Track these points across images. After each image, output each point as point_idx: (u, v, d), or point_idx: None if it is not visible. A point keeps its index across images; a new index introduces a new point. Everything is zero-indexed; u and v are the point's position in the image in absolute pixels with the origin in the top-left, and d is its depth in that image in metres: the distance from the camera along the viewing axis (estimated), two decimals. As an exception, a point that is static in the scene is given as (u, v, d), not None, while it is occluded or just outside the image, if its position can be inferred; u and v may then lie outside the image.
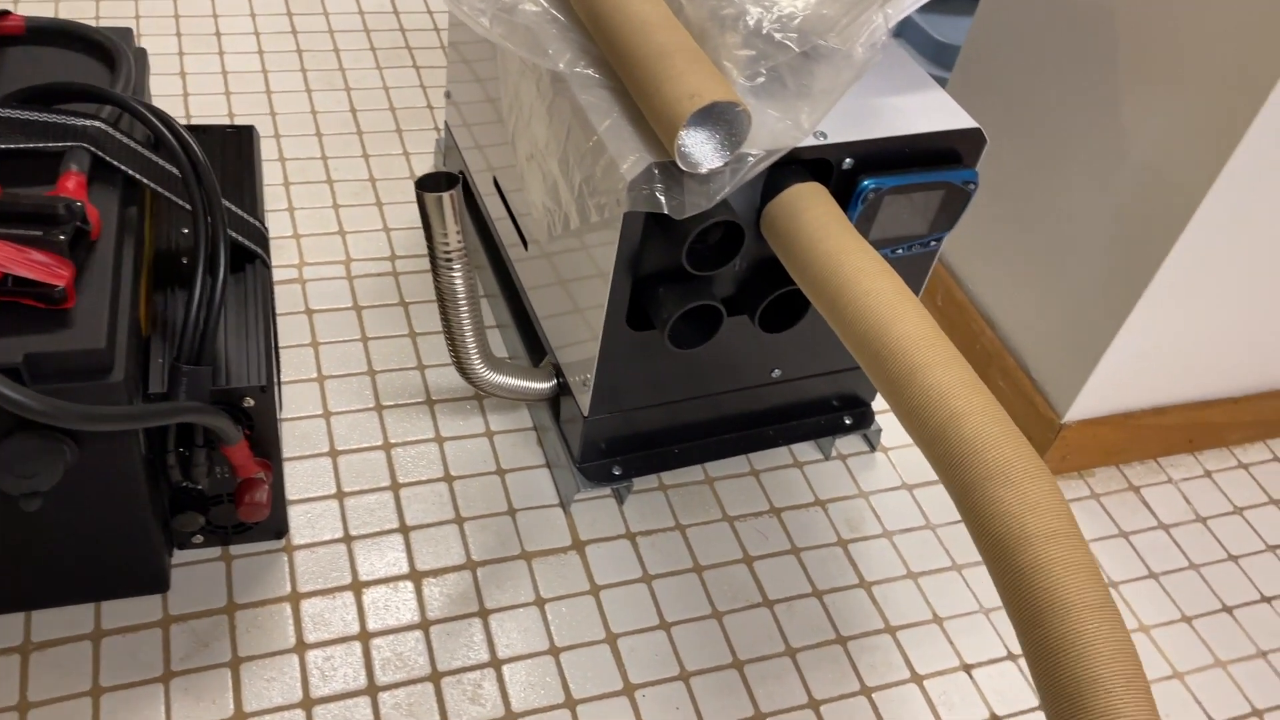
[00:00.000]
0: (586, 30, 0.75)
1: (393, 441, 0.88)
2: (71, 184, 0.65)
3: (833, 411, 0.93)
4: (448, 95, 1.05)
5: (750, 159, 0.66)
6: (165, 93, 1.16)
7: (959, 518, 0.85)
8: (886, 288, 0.63)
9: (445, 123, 1.08)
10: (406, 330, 0.97)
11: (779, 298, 0.76)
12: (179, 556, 0.77)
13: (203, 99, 1.16)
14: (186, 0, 1.30)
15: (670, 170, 0.65)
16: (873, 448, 0.95)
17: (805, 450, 0.94)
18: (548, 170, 0.77)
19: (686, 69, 0.65)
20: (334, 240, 1.04)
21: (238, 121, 1.14)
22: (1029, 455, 0.53)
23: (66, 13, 1.23)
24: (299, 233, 1.04)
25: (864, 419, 0.93)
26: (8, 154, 0.66)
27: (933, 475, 0.94)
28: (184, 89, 1.17)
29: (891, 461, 0.95)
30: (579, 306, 0.79)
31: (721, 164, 0.65)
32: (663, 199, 0.65)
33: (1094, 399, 0.91)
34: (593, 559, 0.83)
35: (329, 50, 1.27)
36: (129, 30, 0.80)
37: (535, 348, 0.91)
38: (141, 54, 0.82)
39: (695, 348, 0.75)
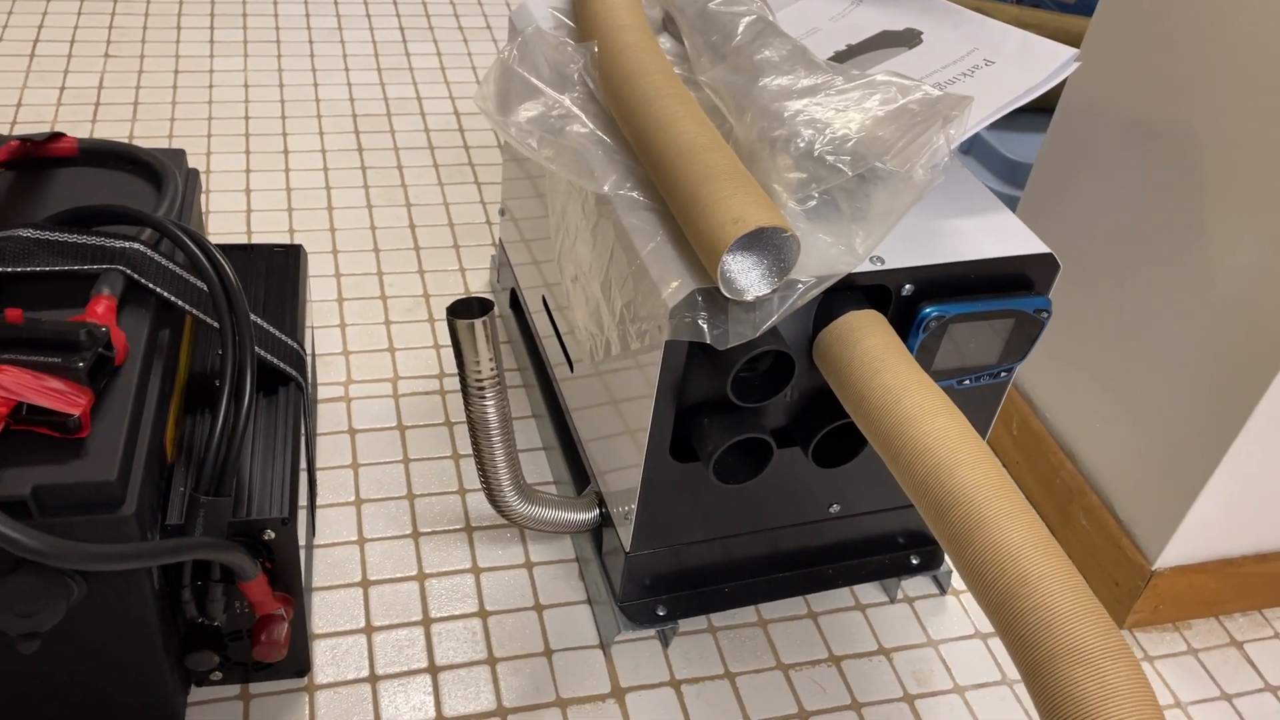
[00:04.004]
0: (633, 152, 0.72)
1: (427, 572, 0.84)
2: (101, 308, 0.64)
3: (898, 550, 0.86)
4: (502, 212, 1.03)
5: (800, 286, 0.62)
6: (228, 209, 1.17)
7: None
8: (949, 428, 0.57)
9: (499, 239, 1.06)
10: (450, 452, 0.94)
11: (835, 431, 0.71)
12: (195, 694, 0.73)
13: (264, 215, 1.18)
14: (259, 122, 1.33)
15: (714, 297, 0.62)
16: (943, 590, 0.88)
17: (868, 592, 0.87)
18: (591, 293, 0.74)
19: (732, 193, 0.61)
20: (383, 357, 1.02)
21: (297, 238, 1.15)
22: (1109, 631, 0.46)
23: (141, 132, 1.27)
24: (349, 349, 1.03)
25: (932, 559, 0.86)
26: (40, 276, 0.65)
27: (1009, 622, 0.85)
28: (247, 206, 1.18)
29: (964, 606, 0.87)
30: (621, 434, 0.74)
31: (769, 291, 0.61)
32: (705, 327, 0.61)
33: (1190, 543, 0.83)
34: (633, 709, 0.76)
35: (393, 167, 1.28)
36: (181, 152, 0.81)
37: (580, 473, 0.87)
38: (194, 175, 0.82)
39: (743, 483, 0.70)
